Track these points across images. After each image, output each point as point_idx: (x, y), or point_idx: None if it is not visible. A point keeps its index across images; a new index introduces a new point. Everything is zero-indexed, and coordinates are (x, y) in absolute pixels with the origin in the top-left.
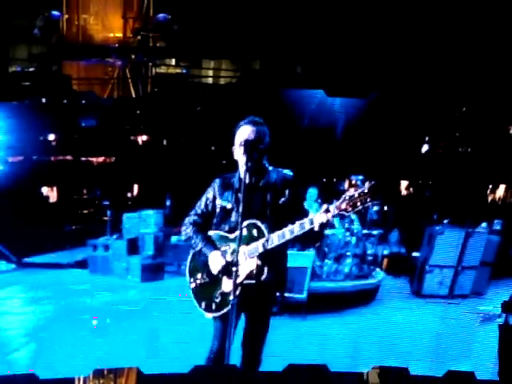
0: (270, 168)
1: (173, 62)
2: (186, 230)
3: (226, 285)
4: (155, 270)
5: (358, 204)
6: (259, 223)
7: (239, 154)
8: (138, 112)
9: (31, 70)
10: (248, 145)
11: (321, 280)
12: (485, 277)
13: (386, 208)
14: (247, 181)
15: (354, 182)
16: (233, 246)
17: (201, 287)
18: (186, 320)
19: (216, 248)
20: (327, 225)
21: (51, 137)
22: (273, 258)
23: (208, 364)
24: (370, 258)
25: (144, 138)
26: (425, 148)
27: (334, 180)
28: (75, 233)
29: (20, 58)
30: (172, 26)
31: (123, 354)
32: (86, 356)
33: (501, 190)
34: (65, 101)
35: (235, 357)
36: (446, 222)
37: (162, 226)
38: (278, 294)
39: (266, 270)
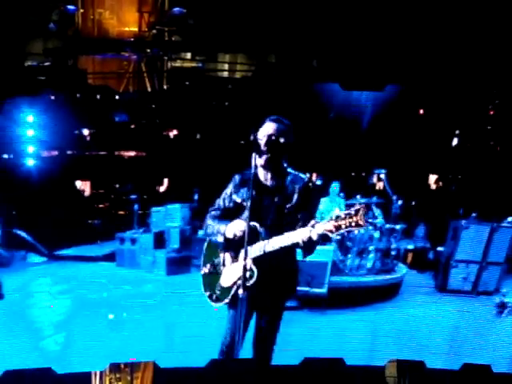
0: (291, 171)
1: (188, 55)
2: (206, 223)
3: (224, 279)
4: (180, 263)
5: (343, 227)
6: (258, 227)
7: (258, 150)
8: (163, 106)
9: (47, 64)
10: (266, 142)
11: (343, 274)
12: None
13: (410, 202)
14: (262, 179)
15: (381, 175)
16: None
17: (208, 276)
18: (203, 313)
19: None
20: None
21: (84, 131)
22: (271, 262)
23: (220, 357)
24: (392, 252)
25: (172, 132)
26: (455, 142)
27: (363, 174)
28: (105, 226)
29: (36, 53)
30: (187, 20)
31: (141, 347)
32: (109, 348)
33: None
34: (98, 96)
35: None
36: (473, 215)
37: (190, 220)
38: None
39: (255, 274)
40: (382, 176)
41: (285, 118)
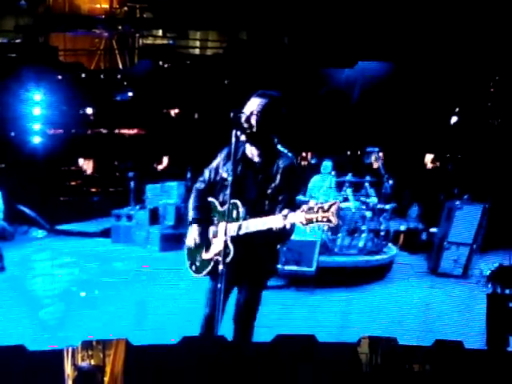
0: (281, 149)
1: (160, 32)
2: (191, 196)
3: (204, 252)
4: (175, 239)
5: (314, 221)
6: (240, 205)
7: (240, 126)
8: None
9: (18, 41)
10: (246, 117)
11: (332, 254)
12: None
13: (404, 182)
14: (249, 155)
15: (378, 154)
16: (217, 218)
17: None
18: (176, 291)
19: (199, 221)
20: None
21: (88, 110)
22: (248, 241)
23: (201, 330)
24: (382, 233)
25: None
26: (454, 119)
27: (359, 153)
28: (103, 203)
29: (7, 30)
30: None
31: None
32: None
33: None
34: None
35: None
36: (465, 197)
37: (186, 198)
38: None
39: (232, 252)
40: (378, 155)
41: (273, 91)
